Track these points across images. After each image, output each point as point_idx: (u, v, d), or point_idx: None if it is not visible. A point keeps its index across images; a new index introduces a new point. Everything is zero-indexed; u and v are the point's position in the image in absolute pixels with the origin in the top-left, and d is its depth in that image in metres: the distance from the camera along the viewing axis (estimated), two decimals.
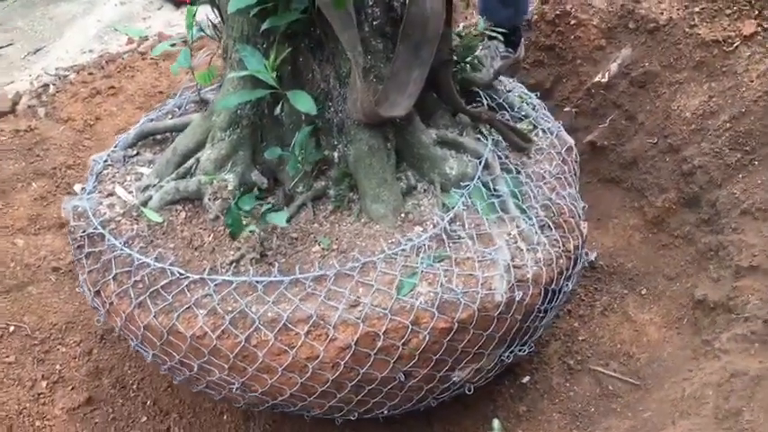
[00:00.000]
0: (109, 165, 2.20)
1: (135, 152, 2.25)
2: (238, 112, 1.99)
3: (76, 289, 2.62)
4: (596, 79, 3.04)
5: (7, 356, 2.40)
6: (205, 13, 2.25)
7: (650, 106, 2.91)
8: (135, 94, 3.55)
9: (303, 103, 1.82)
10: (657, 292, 2.61)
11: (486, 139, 2.16)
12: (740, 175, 2.55)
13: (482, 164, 2.06)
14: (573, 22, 3.11)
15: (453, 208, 1.97)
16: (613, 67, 3.02)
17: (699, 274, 2.56)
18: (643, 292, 2.64)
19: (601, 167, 3.02)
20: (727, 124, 2.64)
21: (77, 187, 3.01)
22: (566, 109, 3.14)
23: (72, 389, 2.37)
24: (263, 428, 2.38)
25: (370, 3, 1.96)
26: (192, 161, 2.03)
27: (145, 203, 2.00)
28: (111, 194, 2.07)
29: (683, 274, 2.59)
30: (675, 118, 2.81)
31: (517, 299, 1.82)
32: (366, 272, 1.80)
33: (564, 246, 2.00)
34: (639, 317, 2.57)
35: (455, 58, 2.18)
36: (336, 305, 1.72)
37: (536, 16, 3.19)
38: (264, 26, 1.81)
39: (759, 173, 2.50)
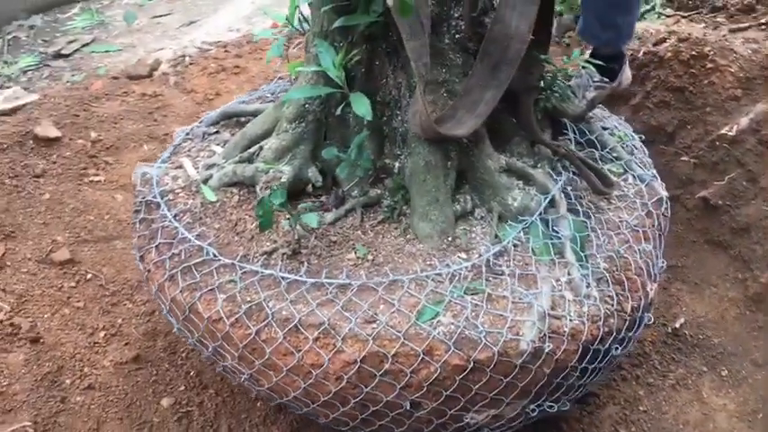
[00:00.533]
0: (188, 138, 2.28)
1: (215, 130, 2.31)
2: (306, 106, 1.99)
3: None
4: (723, 131, 2.76)
5: (78, 301, 2.56)
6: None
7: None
8: (257, 75, 3.68)
9: (361, 106, 1.78)
10: (740, 377, 2.33)
11: (561, 176, 2.02)
12: None
13: (547, 200, 1.93)
14: (709, 65, 2.85)
15: (504, 241, 1.85)
16: (744, 120, 2.73)
17: None
18: (723, 374, 2.37)
19: (710, 228, 2.74)
20: None
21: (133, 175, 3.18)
22: (683, 158, 2.88)
23: (125, 344, 2.48)
24: (291, 425, 2.37)
25: (455, 15, 1.89)
26: (255, 147, 2.06)
27: (205, 181, 2.05)
28: (179, 167, 2.14)
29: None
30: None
31: (546, 350, 1.68)
32: (392, 290, 1.74)
33: (619, 304, 1.82)
34: (713, 400, 2.30)
35: (542, 84, 2.05)
36: (351, 317, 1.67)
37: (669, 53, 2.95)
38: (337, 23, 1.79)
39: None
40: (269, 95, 2.48)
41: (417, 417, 1.77)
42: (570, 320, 1.72)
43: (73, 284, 2.62)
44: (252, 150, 2.06)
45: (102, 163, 3.10)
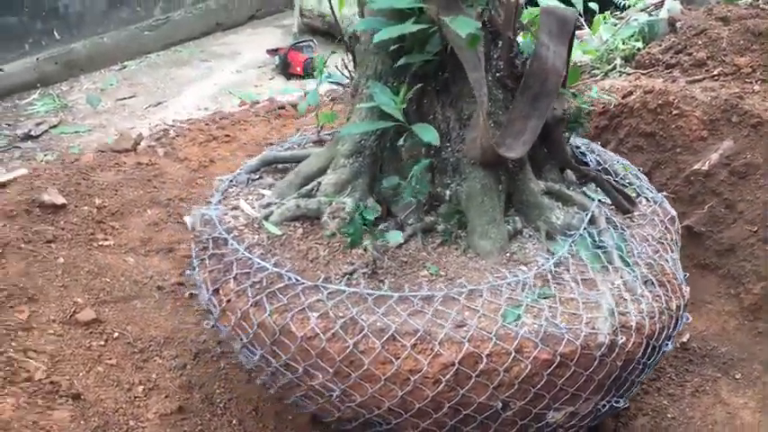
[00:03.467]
0: (233, 185, 2.37)
1: (258, 176, 2.41)
2: (362, 141, 2.14)
3: (188, 294, 2.76)
4: (696, 167, 3.09)
5: (110, 359, 2.52)
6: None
7: (751, 196, 2.94)
8: (247, 143, 3.80)
9: (428, 134, 1.96)
10: (753, 377, 2.55)
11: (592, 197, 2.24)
12: None
13: (588, 217, 2.13)
14: (675, 112, 3.20)
15: (559, 253, 2.03)
16: (714, 156, 3.07)
17: None
18: (737, 377, 2.58)
19: (697, 253, 3.02)
20: None
21: (187, 218, 3.22)
22: (662, 194, 3.18)
23: (165, 397, 2.45)
24: None
25: (495, 56, 2.12)
26: (313, 183, 2.18)
27: (266, 218, 2.14)
28: (235, 208, 2.23)
29: None
30: None
31: (619, 343, 1.84)
32: (472, 298, 1.87)
33: (667, 303, 2.01)
34: (733, 400, 2.50)
35: (567, 116, 2.29)
36: (443, 323, 1.78)
37: (638, 104, 3.30)
38: (401, 62, 1.98)
39: None
40: (296, 146, 2.62)
41: (503, 419, 1.86)
42: (634, 316, 1.89)
43: (101, 343, 2.58)
44: (309, 187, 2.18)
45: (109, 228, 3.10)
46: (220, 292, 1.98)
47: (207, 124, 4.11)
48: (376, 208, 2.12)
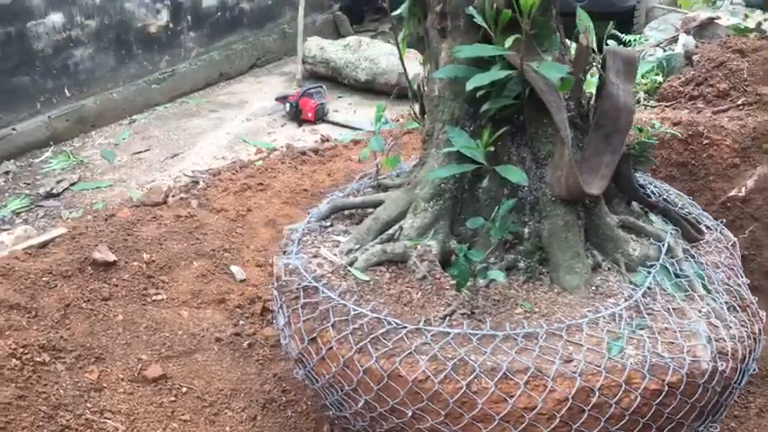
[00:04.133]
0: (306, 233, 2.39)
1: (329, 224, 2.43)
2: (441, 185, 2.18)
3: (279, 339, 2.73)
4: (732, 193, 3.18)
5: (183, 414, 2.49)
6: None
7: None
8: (281, 190, 3.82)
9: (514, 174, 2.01)
10: None
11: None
12: None
13: (665, 247, 2.19)
14: (705, 141, 3.30)
15: (643, 284, 2.07)
16: (749, 182, 3.17)
17: None
18: None
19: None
20: None
21: (236, 269, 3.21)
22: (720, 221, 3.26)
23: None
24: None
25: (566, 97, 2.18)
26: (395, 228, 2.20)
27: (351, 264, 2.16)
28: (316, 256, 2.24)
29: None
30: None
31: (720, 369, 1.88)
32: (573, 333, 1.90)
33: (750, 328, 2.06)
34: None
35: (633, 152, 2.36)
36: (552, 359, 1.81)
37: (669, 136, 3.40)
38: (485, 107, 2.03)
39: None
40: (356, 192, 2.65)
41: None
42: (728, 342, 1.94)
43: (172, 399, 2.55)
44: (391, 232, 2.21)
45: (160, 282, 3.08)
46: (318, 340, 1.98)
47: (235, 173, 4.12)
48: (459, 249, 2.16)
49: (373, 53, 6.01)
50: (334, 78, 6.22)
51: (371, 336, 1.90)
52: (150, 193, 3.96)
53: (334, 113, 5.74)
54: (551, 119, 2.11)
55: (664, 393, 1.81)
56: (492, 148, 2.15)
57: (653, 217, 2.39)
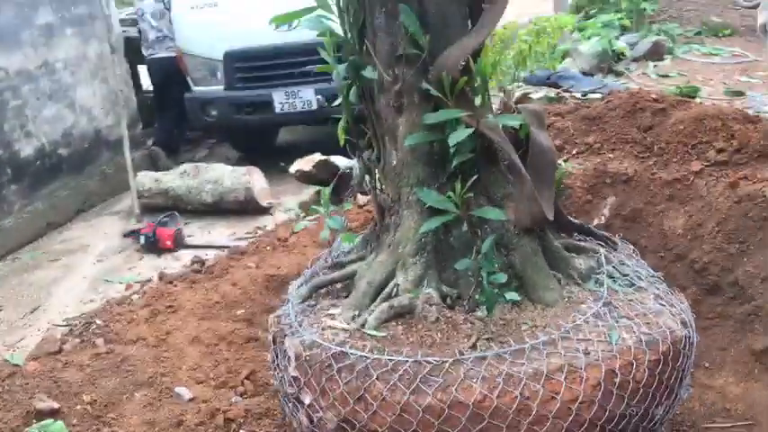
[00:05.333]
0: (298, 315, 2.46)
1: (315, 302, 2.54)
2: (422, 240, 2.42)
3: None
4: (596, 222, 3.78)
5: None
6: None
7: (646, 233, 3.67)
8: (194, 308, 3.75)
9: (492, 213, 2.32)
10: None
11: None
12: (744, 259, 3.30)
13: (603, 258, 2.61)
14: (562, 186, 3.91)
15: (602, 287, 2.46)
16: (606, 211, 3.80)
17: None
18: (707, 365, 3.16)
19: None
20: (717, 228, 3.44)
21: (181, 390, 3.11)
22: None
23: None
24: None
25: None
26: (391, 286, 2.38)
27: (362, 325, 2.28)
28: (324, 328, 2.33)
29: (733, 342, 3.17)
30: (671, 236, 3.58)
31: (687, 336, 2.29)
32: (578, 332, 2.20)
33: (681, 312, 2.51)
34: None
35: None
36: (576, 355, 2.09)
37: None
38: (455, 163, 2.33)
39: (759, 253, 3.26)
40: (318, 273, 2.77)
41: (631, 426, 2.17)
42: (683, 314, 2.37)
43: None
44: (388, 290, 2.38)
45: (110, 420, 2.87)
46: (366, 397, 2.06)
47: (130, 303, 3.96)
48: (452, 292, 2.39)
49: (215, 175, 6.12)
50: (176, 207, 6.18)
51: (419, 376, 2.04)
52: (43, 344, 3.66)
53: (189, 238, 5.69)
54: (498, 167, 2.50)
55: (661, 362, 2.16)
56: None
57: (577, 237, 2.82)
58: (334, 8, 2.51)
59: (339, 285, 2.64)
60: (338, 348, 2.19)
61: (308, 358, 2.22)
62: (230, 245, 5.27)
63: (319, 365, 2.18)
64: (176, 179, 6.24)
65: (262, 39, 6.51)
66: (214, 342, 3.49)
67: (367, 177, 2.68)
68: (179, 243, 5.48)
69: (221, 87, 6.94)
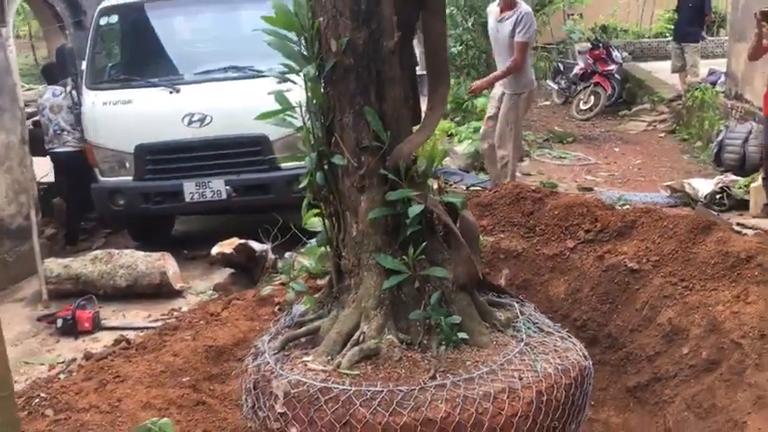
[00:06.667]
0: (277, 363, 2.81)
1: (288, 352, 2.90)
2: (381, 296, 2.88)
3: None
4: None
5: None
6: None
7: (536, 298, 4.33)
8: (141, 377, 3.90)
9: (440, 272, 2.84)
10: None
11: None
12: (615, 315, 4.02)
13: (518, 310, 3.19)
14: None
15: (521, 332, 3.02)
16: (502, 281, 4.44)
17: None
18: None
19: None
20: (591, 292, 4.16)
21: None
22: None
23: None
24: None
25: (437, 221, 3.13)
26: (357, 334, 2.80)
27: (338, 367, 2.68)
28: (306, 371, 2.70)
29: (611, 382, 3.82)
30: (556, 300, 4.27)
31: (588, 366, 2.88)
32: (510, 364, 2.72)
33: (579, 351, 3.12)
34: None
35: None
36: (513, 379, 2.60)
37: None
38: (409, 233, 2.85)
39: (625, 310, 3.99)
40: (282, 332, 3.13)
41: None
42: (581, 350, 2.97)
43: None
44: (356, 337, 2.80)
45: None
46: (351, 421, 2.45)
47: (71, 375, 4.03)
48: (407, 338, 2.85)
49: (129, 260, 6.24)
50: (86, 291, 6.19)
51: (395, 401, 2.47)
52: None
53: (104, 321, 5.73)
54: (437, 236, 3.04)
55: (573, 386, 2.73)
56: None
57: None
58: (298, 110, 3.02)
59: (303, 339, 3.03)
60: (322, 384, 2.57)
61: (296, 395, 2.57)
62: (148, 326, 5.41)
63: (307, 399, 2.54)
64: (88, 265, 6.28)
65: (173, 133, 6.85)
66: (165, 407, 3.66)
67: (327, 247, 3.13)
68: (97, 325, 5.52)
69: (130, 178, 7.11)
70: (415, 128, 3.02)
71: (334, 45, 2.76)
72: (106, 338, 5.28)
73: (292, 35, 2.93)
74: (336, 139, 2.90)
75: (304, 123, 3.03)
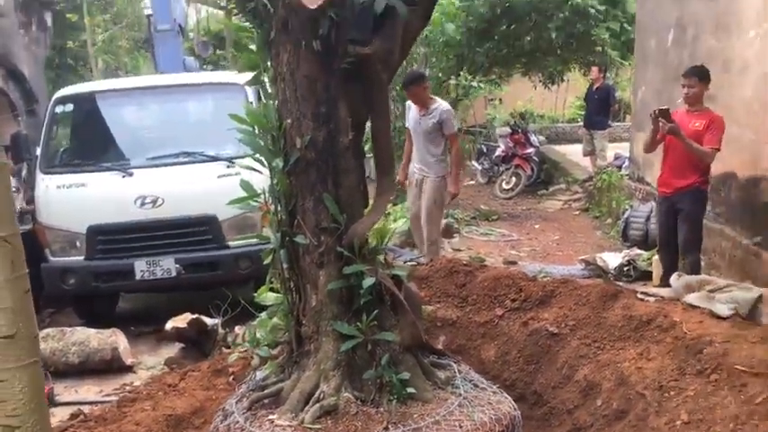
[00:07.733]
0: (246, 421, 3.09)
1: (255, 412, 3.17)
2: (338, 358, 3.22)
3: None
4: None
5: None
6: None
7: (469, 362, 4.72)
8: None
9: (390, 336, 3.21)
10: None
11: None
12: (539, 375, 4.45)
13: (456, 370, 3.57)
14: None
15: (459, 388, 3.40)
16: (440, 345, 4.83)
17: None
18: None
19: None
20: (518, 355, 4.60)
21: None
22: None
23: None
24: None
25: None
26: (318, 393, 3.12)
27: (302, 422, 2.98)
28: (273, 427, 2.98)
29: None
30: (488, 362, 4.68)
31: (518, 416, 3.27)
32: (452, 415, 3.09)
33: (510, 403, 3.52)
34: None
35: None
36: (455, 428, 2.97)
37: None
38: (363, 302, 3.22)
39: (548, 370, 4.43)
40: (247, 395, 3.41)
41: None
42: (512, 403, 3.37)
43: None
44: (316, 396, 3.11)
45: None
46: None
47: None
48: (361, 396, 3.18)
49: (81, 337, 6.29)
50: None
51: None
52: None
53: (57, 397, 5.75)
54: (385, 305, 3.42)
55: None
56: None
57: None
58: (262, 197, 3.42)
59: (267, 401, 3.31)
60: None
61: None
62: (103, 400, 5.48)
63: None
64: (40, 343, 6.29)
65: (126, 215, 7.05)
66: None
67: (289, 317, 3.47)
68: (51, 401, 5.53)
69: (81, 258, 7.22)
70: (366, 210, 3.45)
71: (298, 142, 3.18)
72: (60, 414, 5.30)
73: (259, 132, 3.36)
74: (298, 221, 3.29)
75: (267, 207, 3.42)
